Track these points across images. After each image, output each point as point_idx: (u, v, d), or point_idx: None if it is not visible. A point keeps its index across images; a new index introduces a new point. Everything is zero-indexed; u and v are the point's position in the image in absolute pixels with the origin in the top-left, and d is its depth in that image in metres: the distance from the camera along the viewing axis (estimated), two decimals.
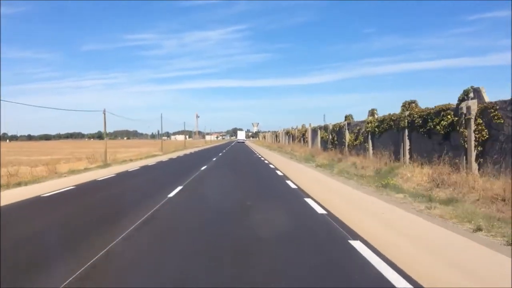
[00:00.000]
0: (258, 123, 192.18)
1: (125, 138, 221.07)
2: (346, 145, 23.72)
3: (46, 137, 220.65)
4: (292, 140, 48.79)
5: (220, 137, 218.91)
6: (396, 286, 4.00)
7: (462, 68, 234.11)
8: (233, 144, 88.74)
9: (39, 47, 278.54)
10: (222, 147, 62.51)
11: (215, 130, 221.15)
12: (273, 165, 21.19)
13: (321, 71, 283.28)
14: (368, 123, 19.79)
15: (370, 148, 19.60)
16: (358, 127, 21.92)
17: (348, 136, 23.65)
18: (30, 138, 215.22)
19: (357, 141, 21.88)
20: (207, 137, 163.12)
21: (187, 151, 46.75)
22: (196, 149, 54.88)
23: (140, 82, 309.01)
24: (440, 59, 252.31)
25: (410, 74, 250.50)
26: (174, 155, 37.34)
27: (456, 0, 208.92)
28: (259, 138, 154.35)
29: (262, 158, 28.77)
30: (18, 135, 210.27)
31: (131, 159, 28.88)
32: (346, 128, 23.88)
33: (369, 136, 19.69)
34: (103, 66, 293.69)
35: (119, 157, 29.71)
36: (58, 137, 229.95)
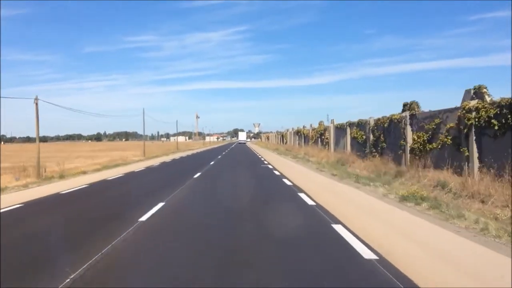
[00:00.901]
0: (260, 124, 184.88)
1: (123, 140, 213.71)
2: (407, 150, 14.97)
3: (44, 139, 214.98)
4: (305, 141, 40.02)
5: (221, 138, 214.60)
6: None
7: (463, 68, 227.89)
8: (233, 146, 79.54)
9: (41, 49, 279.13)
10: (220, 150, 53.70)
11: (216, 131, 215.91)
12: (305, 192, 11.47)
13: (322, 72, 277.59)
14: (467, 111, 10.99)
15: (475, 156, 10.78)
16: (436, 120, 13.11)
17: (411, 136, 14.87)
18: (28, 139, 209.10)
19: (435, 144, 13.08)
20: (207, 138, 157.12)
21: (173, 157, 37.52)
22: (188, 153, 45.90)
23: (141, 83, 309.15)
24: (442, 60, 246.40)
25: (411, 74, 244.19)
26: (149, 163, 28.00)
27: (457, 0, 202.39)
28: (261, 139, 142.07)
29: (277, 172, 18.75)
30: (17, 137, 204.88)
31: (85, 171, 20.04)
32: (408, 122, 15.09)
33: (473, 135, 10.90)
34: (104, 68, 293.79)
35: (72, 167, 21.03)
36: (57, 139, 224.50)
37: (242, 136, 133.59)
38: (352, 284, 4.51)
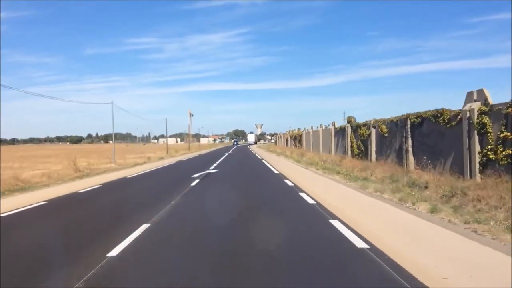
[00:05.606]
0: (262, 125, 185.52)
1: (110, 142, 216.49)
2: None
3: (30, 141, 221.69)
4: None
5: (218, 140, 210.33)
6: None
7: (466, 70, 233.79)
8: (230, 152, 56.78)
9: (42, 51, 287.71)
10: (195, 167, 26.89)
11: (216, 133, 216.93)
12: None
13: (324, 74, 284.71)
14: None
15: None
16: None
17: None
18: (13, 142, 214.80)
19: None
20: (202, 140, 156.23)
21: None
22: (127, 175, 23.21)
23: (142, 85, 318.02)
24: (443, 62, 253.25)
25: (413, 76, 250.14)
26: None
27: (459, 0, 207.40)
28: (276, 142, 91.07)
29: None
30: (2, 138, 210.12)
31: None
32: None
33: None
34: (105, 69, 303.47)
35: None
36: (45, 141, 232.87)
37: (251, 138, 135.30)
38: None
